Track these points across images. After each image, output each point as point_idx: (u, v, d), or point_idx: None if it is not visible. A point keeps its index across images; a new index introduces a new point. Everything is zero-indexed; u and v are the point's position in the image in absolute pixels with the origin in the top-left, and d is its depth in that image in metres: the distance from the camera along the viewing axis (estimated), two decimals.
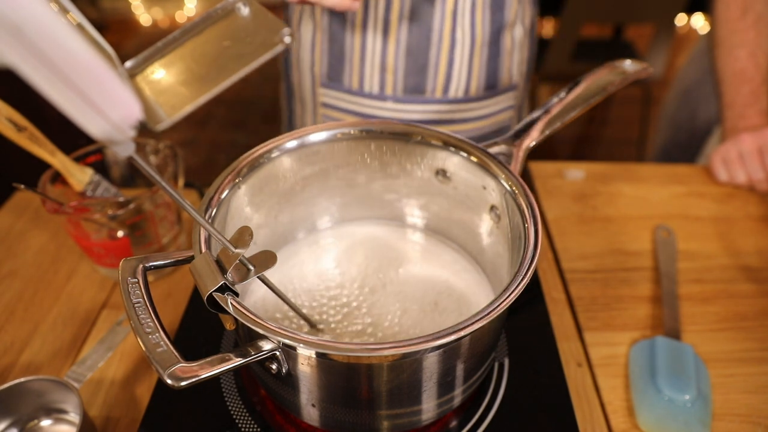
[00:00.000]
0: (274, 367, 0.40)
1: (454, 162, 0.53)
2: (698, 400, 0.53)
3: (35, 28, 0.21)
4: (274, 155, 0.51)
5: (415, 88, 0.81)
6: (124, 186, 0.69)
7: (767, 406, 0.54)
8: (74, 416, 0.51)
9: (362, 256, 0.59)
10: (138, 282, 0.39)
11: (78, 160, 0.64)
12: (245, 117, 2.58)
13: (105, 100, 0.24)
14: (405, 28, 0.77)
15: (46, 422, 0.51)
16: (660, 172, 0.87)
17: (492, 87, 0.84)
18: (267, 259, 0.42)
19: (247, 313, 0.37)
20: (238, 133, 2.48)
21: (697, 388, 0.53)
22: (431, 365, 0.40)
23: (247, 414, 0.50)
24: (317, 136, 0.53)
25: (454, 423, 0.50)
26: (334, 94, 0.85)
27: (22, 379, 0.47)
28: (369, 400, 0.42)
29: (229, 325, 0.42)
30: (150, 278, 0.65)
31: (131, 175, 0.70)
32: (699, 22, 3.08)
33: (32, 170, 0.64)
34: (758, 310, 0.64)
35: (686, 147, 1.24)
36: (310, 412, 0.45)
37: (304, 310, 0.53)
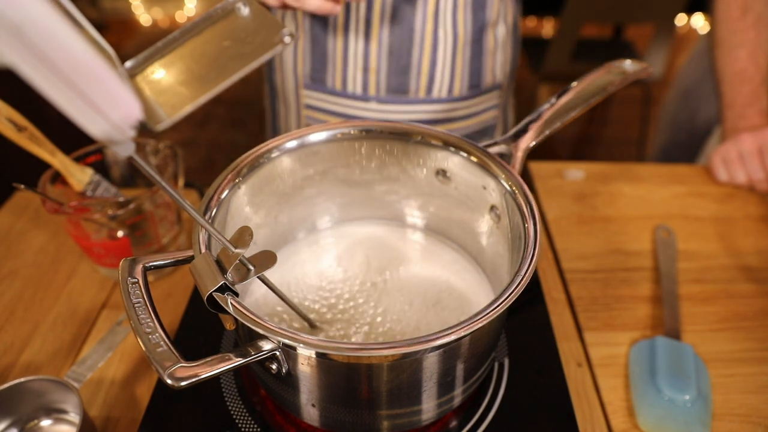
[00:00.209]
0: (274, 367, 0.40)
1: (454, 162, 0.53)
2: (698, 400, 0.53)
3: (35, 28, 0.21)
4: (274, 155, 0.51)
5: (398, 89, 0.81)
6: (124, 186, 0.69)
7: (767, 406, 0.54)
8: (74, 416, 0.51)
9: (362, 256, 0.59)
10: (138, 282, 0.39)
11: (78, 160, 0.64)
12: (245, 117, 2.58)
13: (105, 100, 0.24)
14: (387, 29, 0.77)
15: (46, 422, 0.51)
16: (660, 172, 0.87)
17: (476, 86, 0.84)
18: (267, 259, 0.42)
19: (247, 313, 0.37)
20: (238, 133, 2.48)
21: (697, 388, 0.53)
22: (431, 365, 0.40)
23: (247, 414, 0.50)
24: (317, 136, 0.53)
25: (454, 423, 0.50)
26: (318, 95, 0.85)
27: (22, 379, 0.47)
28: (369, 400, 0.42)
29: (229, 325, 0.42)
30: (150, 278, 0.65)
31: (131, 175, 0.70)
32: (699, 22, 3.08)
33: (32, 170, 0.64)
34: (758, 310, 0.64)
35: (686, 147, 1.24)
36: (310, 412, 0.45)
37: (304, 310, 0.53)
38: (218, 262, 0.39)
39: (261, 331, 0.36)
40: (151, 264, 0.41)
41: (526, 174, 0.86)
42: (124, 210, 0.58)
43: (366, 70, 0.80)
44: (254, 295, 0.55)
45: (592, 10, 1.81)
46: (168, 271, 0.68)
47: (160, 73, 0.36)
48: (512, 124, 0.99)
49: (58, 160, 0.60)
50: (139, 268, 0.39)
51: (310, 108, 0.87)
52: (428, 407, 0.45)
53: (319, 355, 0.38)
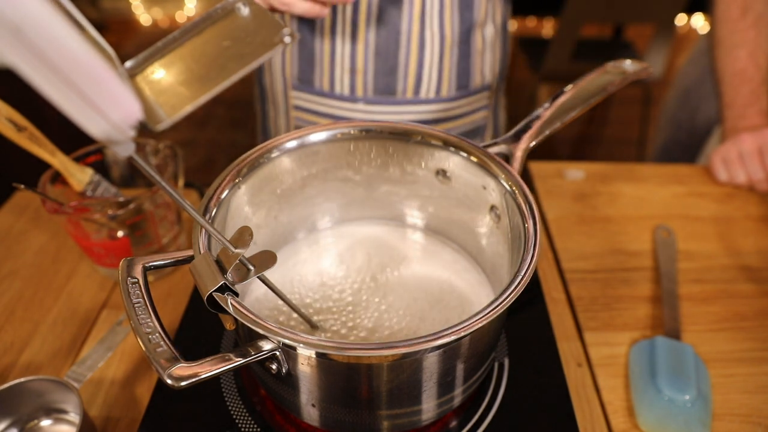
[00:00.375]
0: (274, 367, 0.40)
1: (454, 162, 0.53)
2: (698, 400, 0.53)
3: (35, 28, 0.21)
4: (274, 155, 0.51)
5: (385, 89, 0.81)
6: (124, 186, 0.69)
7: (767, 406, 0.54)
8: (74, 416, 0.51)
9: (362, 256, 0.59)
10: (138, 282, 0.39)
11: (78, 160, 0.64)
12: (245, 117, 2.58)
13: (105, 100, 0.24)
14: (373, 30, 0.77)
15: (46, 422, 0.51)
16: (660, 172, 0.87)
17: (464, 87, 0.84)
18: (267, 259, 0.42)
19: (247, 313, 0.37)
20: (238, 133, 2.49)
21: (697, 388, 0.53)
22: (431, 365, 0.40)
23: (247, 414, 0.50)
24: (317, 136, 0.53)
25: (454, 423, 0.50)
26: (306, 97, 0.85)
27: (22, 379, 0.47)
28: (369, 400, 0.42)
29: (229, 325, 0.42)
30: (150, 278, 0.65)
31: (131, 175, 0.70)
32: (699, 22, 3.08)
33: (32, 170, 0.64)
34: (758, 310, 0.64)
35: (686, 147, 1.24)
36: (310, 412, 0.45)
37: (304, 310, 0.53)
38: (218, 262, 0.39)
39: (261, 331, 0.36)
40: (151, 264, 0.41)
41: (526, 174, 0.87)
42: (124, 210, 0.58)
43: (353, 71, 0.80)
44: (254, 294, 0.55)
45: (592, 10, 1.81)
46: (168, 271, 0.68)
47: (160, 73, 0.36)
48: (503, 125, 0.99)
49: (58, 160, 0.60)
50: (139, 268, 0.40)
51: (299, 109, 0.87)
52: (428, 407, 0.45)
53: (319, 355, 0.38)
